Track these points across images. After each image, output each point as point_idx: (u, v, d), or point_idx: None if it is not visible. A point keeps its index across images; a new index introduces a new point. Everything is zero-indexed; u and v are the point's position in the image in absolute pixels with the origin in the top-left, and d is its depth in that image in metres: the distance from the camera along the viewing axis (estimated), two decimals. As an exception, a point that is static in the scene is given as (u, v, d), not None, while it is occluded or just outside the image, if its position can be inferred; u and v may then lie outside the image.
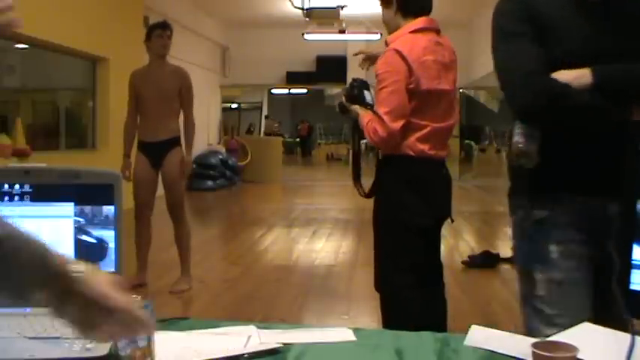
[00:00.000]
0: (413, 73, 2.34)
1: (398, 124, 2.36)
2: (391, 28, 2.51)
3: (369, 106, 2.50)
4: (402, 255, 2.50)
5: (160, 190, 4.40)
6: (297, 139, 25.35)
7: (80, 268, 0.87)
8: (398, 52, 2.35)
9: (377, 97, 2.43)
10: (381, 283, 2.55)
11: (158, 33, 4.29)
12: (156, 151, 4.32)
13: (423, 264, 2.53)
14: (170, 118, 4.32)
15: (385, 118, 2.36)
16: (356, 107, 2.56)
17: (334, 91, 24.72)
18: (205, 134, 12.58)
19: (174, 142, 4.35)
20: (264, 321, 1.83)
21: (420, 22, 2.44)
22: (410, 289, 2.49)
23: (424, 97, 2.38)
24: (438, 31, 2.51)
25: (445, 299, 2.69)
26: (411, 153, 2.42)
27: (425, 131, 2.41)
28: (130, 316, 0.88)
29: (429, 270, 2.61)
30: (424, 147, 2.42)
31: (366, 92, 2.55)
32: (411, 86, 2.35)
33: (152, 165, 4.35)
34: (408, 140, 2.41)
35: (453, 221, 2.63)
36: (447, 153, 2.59)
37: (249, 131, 20.86)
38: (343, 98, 2.64)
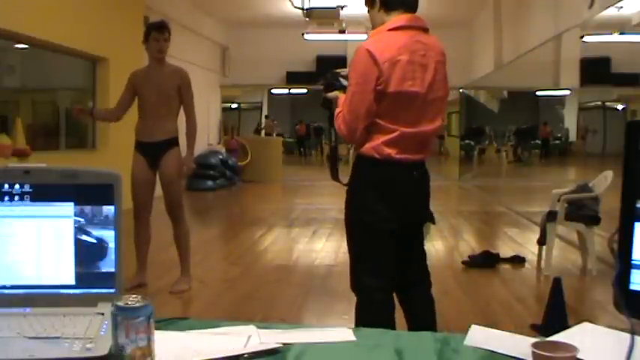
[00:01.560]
0: (382, 74, 2.25)
1: (358, 126, 2.33)
2: (376, 25, 2.45)
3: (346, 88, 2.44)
4: (368, 258, 2.47)
5: (159, 190, 4.40)
6: (296, 140, 25.35)
7: None
8: (368, 52, 2.27)
9: (346, 94, 2.38)
10: (353, 284, 2.52)
11: (154, 36, 4.27)
12: (153, 152, 4.32)
13: (392, 267, 2.47)
14: (168, 119, 4.32)
15: (347, 117, 2.34)
16: (335, 93, 2.50)
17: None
18: (205, 134, 12.58)
19: (172, 142, 4.35)
20: (264, 321, 1.83)
21: (401, 19, 2.35)
22: (380, 292, 2.46)
23: (393, 99, 2.29)
24: (424, 29, 2.40)
25: (428, 303, 2.62)
26: (377, 156, 2.34)
27: (393, 135, 2.32)
28: None
29: (403, 274, 2.55)
30: (391, 151, 2.33)
31: (341, 78, 2.46)
32: (380, 87, 2.27)
33: (149, 165, 4.35)
34: (374, 142, 2.33)
35: (434, 224, 2.60)
36: (423, 156, 2.46)
37: (257, 131, 20.88)
38: (322, 92, 2.59)
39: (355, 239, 2.51)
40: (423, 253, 2.65)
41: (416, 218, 2.54)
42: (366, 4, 2.49)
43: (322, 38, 12.76)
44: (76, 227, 1.24)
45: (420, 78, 2.32)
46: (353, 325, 2.24)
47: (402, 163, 2.36)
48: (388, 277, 2.47)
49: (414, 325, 2.50)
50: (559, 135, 25.75)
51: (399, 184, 2.39)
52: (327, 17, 10.55)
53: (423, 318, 2.55)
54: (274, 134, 19.61)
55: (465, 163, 16.81)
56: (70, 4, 7.29)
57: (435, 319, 2.59)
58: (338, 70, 2.55)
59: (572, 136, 26.14)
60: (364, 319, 2.45)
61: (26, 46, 7.24)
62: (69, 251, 1.24)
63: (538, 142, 24.44)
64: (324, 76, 2.57)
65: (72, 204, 1.24)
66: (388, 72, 2.25)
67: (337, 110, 2.44)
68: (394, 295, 2.56)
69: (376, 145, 2.33)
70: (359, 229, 2.47)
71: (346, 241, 2.55)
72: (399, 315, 2.54)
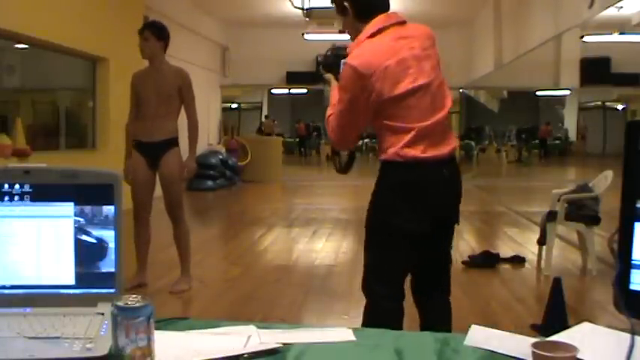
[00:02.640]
0: (373, 88, 2.18)
1: (348, 139, 2.36)
2: (353, 34, 2.39)
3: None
4: (382, 266, 2.40)
5: (159, 191, 4.40)
6: (297, 139, 25.37)
7: None
8: (354, 68, 2.19)
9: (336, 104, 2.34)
10: (363, 287, 2.46)
11: (139, 38, 4.29)
12: (153, 152, 4.31)
13: (405, 277, 2.43)
14: (168, 119, 4.31)
15: (337, 131, 2.32)
16: (329, 76, 2.46)
17: (334, 91, 24.72)
18: (205, 134, 12.58)
19: (172, 142, 4.35)
20: (264, 321, 1.83)
21: (377, 22, 2.28)
22: (389, 300, 2.40)
23: (396, 101, 2.22)
24: (401, 23, 2.32)
25: (446, 310, 2.53)
26: (401, 160, 2.25)
27: (411, 135, 2.22)
28: None
29: (426, 277, 2.50)
30: (415, 151, 2.23)
31: (342, 62, 2.34)
32: (374, 98, 2.20)
33: (149, 165, 4.35)
34: (395, 147, 2.25)
35: (458, 224, 2.47)
36: (450, 148, 2.32)
37: (259, 130, 20.89)
38: (321, 68, 2.53)
39: (373, 244, 2.42)
40: (449, 258, 2.56)
41: (446, 220, 2.44)
42: (337, 12, 2.42)
43: (322, 38, 12.75)
44: (76, 227, 1.24)
45: (419, 71, 2.24)
46: (353, 325, 2.24)
47: (430, 161, 2.26)
48: (400, 287, 2.41)
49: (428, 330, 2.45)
50: (559, 135, 25.77)
51: (429, 185, 2.30)
52: (327, 17, 10.53)
53: (439, 324, 2.46)
54: (274, 134, 19.62)
55: (465, 163, 16.82)
56: (69, 4, 7.29)
57: (450, 327, 2.50)
58: (340, 46, 2.48)
59: (572, 135, 26.16)
60: (371, 325, 2.42)
61: (26, 46, 7.24)
62: (69, 251, 1.24)
63: (537, 142, 24.47)
64: (326, 54, 2.50)
65: (72, 204, 1.24)
66: (380, 83, 2.18)
67: (328, 110, 2.39)
68: (412, 296, 2.52)
69: (398, 149, 2.24)
70: (382, 233, 2.37)
71: (363, 244, 2.46)
72: (409, 319, 2.49)
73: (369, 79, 2.18)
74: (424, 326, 2.49)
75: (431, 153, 2.25)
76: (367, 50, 2.24)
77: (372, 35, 2.26)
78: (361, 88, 2.20)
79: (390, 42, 2.24)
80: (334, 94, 2.41)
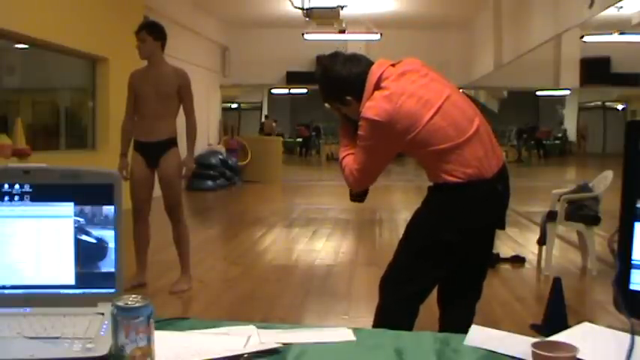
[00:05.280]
0: (395, 130, 2.18)
1: (369, 182, 2.36)
2: (359, 110, 2.34)
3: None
4: (420, 269, 2.37)
5: (158, 191, 4.40)
6: (299, 140, 25.36)
7: None
8: (370, 120, 2.20)
9: (355, 151, 2.33)
10: (381, 288, 2.44)
11: (137, 39, 4.29)
12: (152, 152, 4.31)
13: (427, 293, 2.42)
14: (167, 119, 4.31)
15: (357, 176, 2.32)
16: (328, 107, 2.47)
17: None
18: (205, 134, 12.58)
19: (171, 142, 4.35)
20: (264, 321, 1.83)
21: (374, 73, 2.28)
22: (410, 302, 2.38)
23: (427, 132, 2.19)
24: (393, 65, 2.33)
25: (469, 319, 2.46)
26: (453, 180, 2.20)
27: (458, 151, 2.19)
28: None
29: (461, 282, 2.46)
30: (467, 170, 2.19)
31: (347, 98, 2.34)
32: (401, 139, 2.20)
33: (148, 165, 4.35)
34: (444, 169, 2.21)
35: (503, 229, 2.46)
36: (497, 162, 2.27)
37: (262, 130, 20.89)
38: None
39: (414, 249, 2.38)
40: (486, 264, 2.55)
41: (493, 229, 2.43)
42: (338, 105, 2.39)
43: (322, 38, 12.76)
44: (76, 227, 1.24)
45: (430, 94, 2.23)
46: (353, 325, 2.23)
47: (482, 180, 2.22)
48: (426, 291, 2.41)
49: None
50: (559, 135, 25.76)
51: (483, 203, 2.27)
52: (327, 17, 10.55)
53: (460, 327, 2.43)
54: (274, 134, 19.62)
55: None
56: (69, 4, 7.29)
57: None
58: (322, 56, 2.47)
59: (572, 135, 26.15)
60: (384, 325, 2.41)
61: (26, 46, 7.24)
62: (69, 251, 1.24)
63: (534, 142, 24.46)
64: (325, 96, 2.43)
65: (72, 204, 1.24)
66: (400, 124, 2.18)
67: (341, 152, 2.42)
68: (437, 301, 2.51)
69: (450, 170, 2.21)
70: (428, 244, 2.33)
71: (399, 245, 2.43)
72: (422, 320, 2.45)
73: (388, 125, 2.19)
74: (443, 329, 2.47)
75: (481, 169, 2.22)
76: (379, 99, 2.24)
77: (377, 86, 2.27)
78: (383, 136, 2.22)
79: (392, 84, 2.25)
80: (343, 133, 2.44)
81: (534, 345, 1.06)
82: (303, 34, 12.55)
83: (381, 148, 2.27)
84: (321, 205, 10.13)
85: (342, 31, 11.78)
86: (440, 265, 2.36)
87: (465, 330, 2.39)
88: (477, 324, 1.32)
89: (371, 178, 2.38)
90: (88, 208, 1.24)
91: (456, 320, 2.44)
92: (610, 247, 4.89)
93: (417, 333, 1.31)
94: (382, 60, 2.35)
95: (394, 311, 2.41)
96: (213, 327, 1.30)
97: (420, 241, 2.37)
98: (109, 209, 1.24)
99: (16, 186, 1.24)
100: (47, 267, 1.25)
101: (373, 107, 2.23)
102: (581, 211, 5.12)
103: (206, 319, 1.40)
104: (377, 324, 2.40)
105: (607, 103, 25.59)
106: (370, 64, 2.34)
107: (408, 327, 2.32)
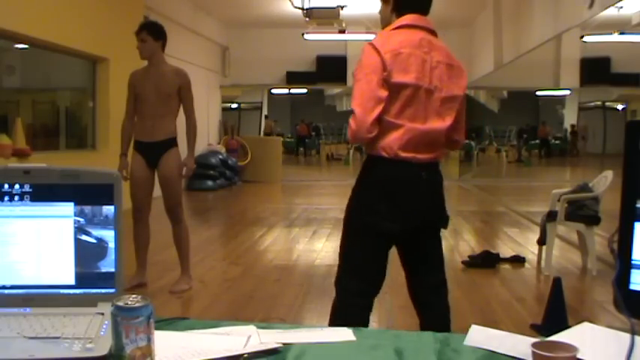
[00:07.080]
0: (386, 65, 2.24)
1: (367, 118, 2.24)
2: (383, 23, 2.46)
3: None
4: (353, 261, 2.45)
5: (158, 191, 4.40)
6: (297, 139, 25.34)
7: None
8: (372, 45, 2.29)
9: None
10: (336, 284, 2.50)
11: (137, 40, 4.30)
12: (152, 152, 4.32)
13: (377, 274, 2.44)
14: (167, 119, 4.32)
15: (356, 111, 2.27)
16: None
17: (334, 91, 24.76)
18: (205, 134, 12.59)
19: (171, 142, 4.35)
20: (264, 321, 1.83)
21: (406, 18, 2.36)
22: (356, 297, 2.42)
23: (396, 91, 2.25)
24: (430, 31, 2.39)
25: (444, 313, 2.53)
26: (384, 154, 2.29)
27: (399, 132, 2.27)
28: None
29: (418, 280, 2.52)
30: (398, 149, 2.28)
31: None
32: (384, 76, 2.24)
33: (148, 165, 4.35)
34: (381, 141, 2.29)
35: (445, 228, 2.47)
36: (432, 156, 2.37)
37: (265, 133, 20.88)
38: None
39: (348, 239, 2.48)
40: (440, 260, 2.55)
41: (426, 222, 2.43)
42: None
43: (322, 38, 12.77)
44: (76, 227, 1.24)
45: (420, 71, 2.28)
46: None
47: (409, 162, 2.30)
48: (369, 283, 2.44)
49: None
50: (559, 135, 25.77)
51: (405, 184, 2.33)
52: (327, 17, 10.55)
53: (438, 328, 2.46)
54: (274, 134, 19.61)
55: (465, 163, 16.81)
56: (69, 4, 7.29)
57: (449, 328, 2.49)
58: None
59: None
60: (334, 319, 2.43)
61: (26, 46, 7.24)
62: (69, 251, 1.24)
63: (537, 141, 24.46)
64: None
65: (72, 204, 1.24)
66: (390, 62, 2.24)
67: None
68: (412, 303, 2.54)
69: (384, 144, 2.29)
70: (357, 229, 2.42)
71: (340, 240, 2.53)
72: (409, 318, 2.47)
73: (383, 55, 2.25)
74: (424, 329, 2.49)
75: (411, 154, 2.30)
76: (387, 36, 2.35)
77: (397, 28, 2.36)
78: (376, 61, 2.26)
79: (410, 37, 2.33)
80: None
81: (534, 345, 1.06)
82: (303, 34, 12.55)
83: (371, 75, 2.26)
84: (321, 205, 10.14)
85: (342, 31, 11.78)
86: (371, 248, 2.41)
87: (443, 327, 2.42)
88: (476, 324, 1.32)
89: (370, 108, 2.26)
90: (88, 208, 1.24)
91: (432, 319, 2.51)
92: (610, 247, 4.89)
93: (417, 333, 1.31)
94: (424, 18, 2.41)
95: (347, 307, 2.45)
96: (213, 327, 1.30)
97: (352, 226, 2.46)
98: (109, 209, 1.24)
99: (16, 186, 1.24)
100: (47, 267, 1.25)
101: (378, 38, 2.34)
102: (581, 211, 5.12)
103: (206, 319, 1.40)
104: (331, 322, 2.44)
105: (607, 103, 25.59)
106: (422, 7, 2.42)
107: (363, 323, 2.35)
